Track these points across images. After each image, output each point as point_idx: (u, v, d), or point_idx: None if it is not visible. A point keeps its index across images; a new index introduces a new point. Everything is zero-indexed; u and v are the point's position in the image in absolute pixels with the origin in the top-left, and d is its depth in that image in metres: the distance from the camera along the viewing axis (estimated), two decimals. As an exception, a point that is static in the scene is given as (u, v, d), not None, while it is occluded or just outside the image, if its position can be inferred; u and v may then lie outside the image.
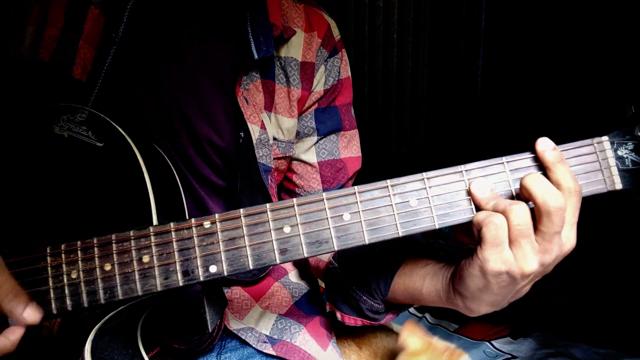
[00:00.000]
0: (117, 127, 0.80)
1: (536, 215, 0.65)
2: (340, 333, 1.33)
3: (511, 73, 2.69)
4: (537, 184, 0.65)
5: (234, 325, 1.00)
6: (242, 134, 0.96)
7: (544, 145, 0.68)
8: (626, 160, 0.70)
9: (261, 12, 0.99)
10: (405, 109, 3.03)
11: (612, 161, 0.70)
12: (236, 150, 0.98)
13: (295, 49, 1.05)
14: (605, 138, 0.71)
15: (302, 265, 1.17)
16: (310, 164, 1.11)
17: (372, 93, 3.10)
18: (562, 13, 2.43)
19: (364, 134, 3.37)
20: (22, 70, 0.92)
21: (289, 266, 1.16)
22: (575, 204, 0.67)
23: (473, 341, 2.06)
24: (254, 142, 0.97)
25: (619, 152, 0.70)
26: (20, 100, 0.91)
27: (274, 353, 0.97)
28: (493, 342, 2.05)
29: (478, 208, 0.69)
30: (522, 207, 0.65)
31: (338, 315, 1.01)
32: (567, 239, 0.68)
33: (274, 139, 1.04)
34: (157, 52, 0.96)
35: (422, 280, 0.86)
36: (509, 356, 1.94)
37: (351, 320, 1.00)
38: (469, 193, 0.69)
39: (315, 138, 1.10)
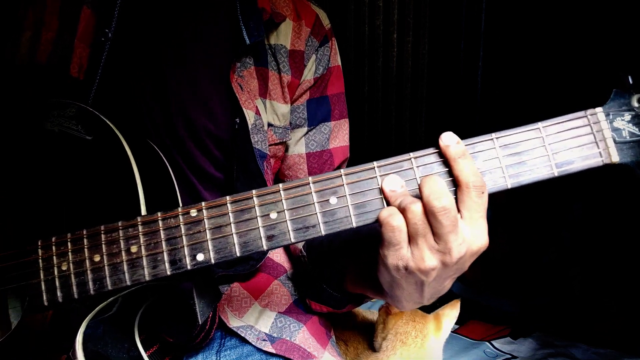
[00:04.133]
0: (106, 120, 0.80)
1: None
2: (338, 332, 1.33)
3: (511, 73, 2.69)
4: (426, 185, 0.64)
5: (233, 323, 1.00)
6: (237, 120, 0.97)
7: (447, 140, 0.67)
8: (623, 132, 0.67)
9: None
10: (405, 109, 3.04)
11: (608, 133, 0.67)
12: (232, 137, 0.98)
13: (284, 37, 1.06)
14: (599, 109, 0.68)
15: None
16: (298, 155, 1.12)
17: (372, 93, 3.11)
18: (562, 12, 2.43)
19: (364, 134, 3.39)
20: (21, 73, 0.93)
21: (287, 264, 1.16)
22: (475, 199, 0.65)
23: (473, 341, 2.07)
24: (249, 127, 0.98)
25: (615, 124, 0.67)
26: (20, 103, 0.92)
27: (273, 351, 0.96)
28: (493, 342, 2.06)
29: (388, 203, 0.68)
30: (418, 206, 0.64)
31: (307, 300, 1.07)
32: (473, 236, 0.67)
33: (270, 125, 1.05)
34: (151, 45, 0.97)
35: (366, 276, 0.86)
36: (509, 356, 1.95)
37: (317, 307, 1.05)
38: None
39: (305, 129, 1.12)
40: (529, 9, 2.57)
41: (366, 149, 3.12)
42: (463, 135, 0.68)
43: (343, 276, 0.94)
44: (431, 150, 0.68)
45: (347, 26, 3.05)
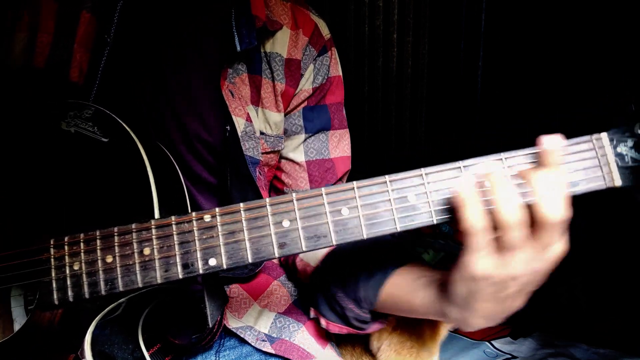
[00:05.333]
0: (122, 123, 0.80)
1: (536, 224, 0.64)
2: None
3: (511, 73, 2.70)
4: (542, 186, 0.64)
5: (232, 323, 1.00)
6: (228, 127, 0.96)
7: (551, 144, 0.66)
8: (626, 157, 0.69)
9: (244, 6, 1.00)
10: (405, 109, 3.04)
11: (612, 157, 0.69)
12: (223, 145, 0.98)
13: (280, 45, 1.05)
14: (604, 134, 0.70)
15: (290, 270, 1.15)
16: (297, 163, 1.10)
17: (372, 93, 3.12)
18: (562, 12, 2.43)
19: (364, 134, 3.39)
20: (19, 77, 0.93)
21: (286, 266, 1.16)
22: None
23: (473, 341, 2.07)
24: (240, 134, 0.97)
25: (619, 149, 0.69)
26: (20, 107, 0.92)
27: (272, 351, 0.97)
28: (493, 342, 2.07)
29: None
30: (513, 209, 0.63)
31: (323, 322, 0.99)
32: (560, 244, 0.67)
33: (262, 133, 1.04)
34: (148, 50, 0.96)
35: (415, 292, 0.84)
36: (509, 356, 1.96)
37: (336, 328, 0.98)
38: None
39: (303, 136, 1.10)
40: (529, 9, 2.57)
41: (366, 149, 3.12)
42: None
43: (377, 293, 0.90)
44: (451, 164, 0.69)
45: (347, 26, 3.02)
